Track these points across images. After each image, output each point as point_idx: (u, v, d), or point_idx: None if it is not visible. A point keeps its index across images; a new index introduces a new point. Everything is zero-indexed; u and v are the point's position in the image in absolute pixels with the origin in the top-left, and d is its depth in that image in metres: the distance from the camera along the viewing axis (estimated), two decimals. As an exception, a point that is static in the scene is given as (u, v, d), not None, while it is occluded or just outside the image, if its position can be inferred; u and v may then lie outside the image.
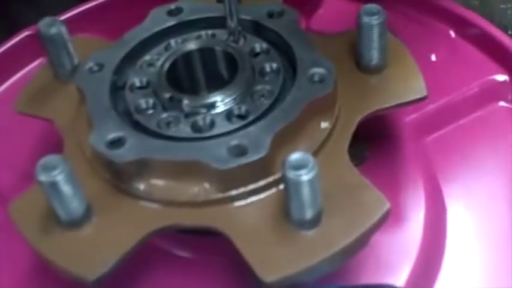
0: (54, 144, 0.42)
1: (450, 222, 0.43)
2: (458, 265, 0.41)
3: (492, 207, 0.44)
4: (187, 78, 0.44)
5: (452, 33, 0.53)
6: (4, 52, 0.54)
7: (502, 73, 0.50)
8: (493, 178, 0.45)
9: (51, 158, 0.34)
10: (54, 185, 0.34)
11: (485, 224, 0.43)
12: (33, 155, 0.46)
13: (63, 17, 0.53)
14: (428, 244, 0.41)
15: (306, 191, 0.33)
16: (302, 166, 0.32)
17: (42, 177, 0.34)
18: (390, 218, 0.36)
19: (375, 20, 0.40)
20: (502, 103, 0.49)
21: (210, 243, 0.41)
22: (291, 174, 0.32)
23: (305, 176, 0.32)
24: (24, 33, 0.54)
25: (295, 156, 0.33)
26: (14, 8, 0.68)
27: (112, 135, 0.37)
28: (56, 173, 0.33)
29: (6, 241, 0.44)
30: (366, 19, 0.40)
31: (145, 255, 0.38)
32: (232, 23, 0.42)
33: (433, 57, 0.52)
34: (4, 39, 0.55)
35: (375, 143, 0.46)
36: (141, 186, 0.37)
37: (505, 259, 0.41)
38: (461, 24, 0.52)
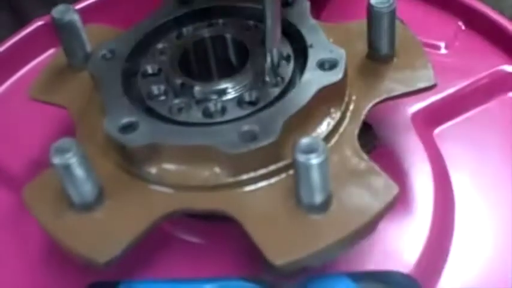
0: (66, 132, 0.42)
1: (458, 211, 0.44)
2: (467, 252, 0.42)
3: (500, 197, 0.44)
4: (198, 66, 0.44)
5: (462, 24, 0.53)
6: (17, 41, 0.54)
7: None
8: (501, 168, 0.45)
9: (64, 141, 0.34)
10: (67, 168, 0.34)
11: (494, 213, 0.43)
12: (44, 143, 0.47)
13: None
14: (437, 231, 0.41)
15: (315, 175, 0.33)
16: (312, 150, 0.33)
17: (56, 160, 0.34)
18: (399, 205, 0.36)
19: (385, 9, 0.40)
20: (511, 94, 0.49)
21: (219, 229, 0.41)
22: (301, 158, 0.33)
23: (315, 160, 0.33)
24: (37, 23, 0.55)
25: (305, 141, 0.33)
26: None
27: (125, 120, 0.38)
28: (70, 156, 0.34)
29: (18, 225, 0.44)
30: (376, 7, 0.40)
31: (154, 240, 0.38)
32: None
33: (443, 48, 0.52)
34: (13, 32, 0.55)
35: (384, 132, 0.46)
36: (153, 171, 0.37)
37: (513, 247, 0.41)
38: (471, 15, 0.52)
